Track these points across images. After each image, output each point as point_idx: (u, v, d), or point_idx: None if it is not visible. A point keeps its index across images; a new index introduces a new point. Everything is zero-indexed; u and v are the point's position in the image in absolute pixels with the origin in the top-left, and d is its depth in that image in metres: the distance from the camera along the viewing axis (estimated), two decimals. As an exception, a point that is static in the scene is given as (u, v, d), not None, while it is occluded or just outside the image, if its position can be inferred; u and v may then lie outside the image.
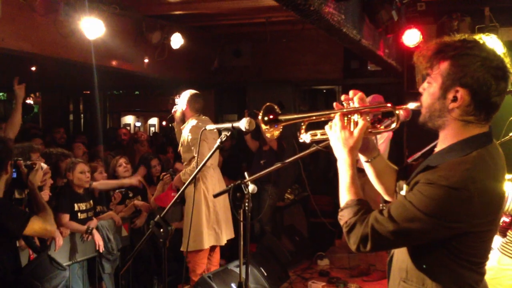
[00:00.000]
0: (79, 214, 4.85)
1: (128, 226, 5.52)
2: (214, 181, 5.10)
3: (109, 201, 5.56)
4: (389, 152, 5.71)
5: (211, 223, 5.01)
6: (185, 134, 5.10)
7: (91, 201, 5.04)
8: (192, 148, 5.02)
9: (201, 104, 5.24)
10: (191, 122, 5.11)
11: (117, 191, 5.61)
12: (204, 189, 5.01)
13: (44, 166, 4.00)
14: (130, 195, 5.76)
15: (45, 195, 4.19)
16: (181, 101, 5.21)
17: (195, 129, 4.98)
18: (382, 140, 5.56)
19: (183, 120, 5.25)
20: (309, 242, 7.30)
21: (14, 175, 3.37)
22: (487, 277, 2.85)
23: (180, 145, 5.23)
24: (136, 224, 5.56)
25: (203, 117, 5.26)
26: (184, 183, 5.07)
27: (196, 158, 4.83)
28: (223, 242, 5.15)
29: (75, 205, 4.84)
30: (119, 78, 9.92)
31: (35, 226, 3.12)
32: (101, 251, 4.88)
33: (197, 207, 4.94)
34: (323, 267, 6.53)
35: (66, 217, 4.69)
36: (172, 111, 5.35)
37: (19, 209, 3.24)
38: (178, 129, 5.32)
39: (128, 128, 16.95)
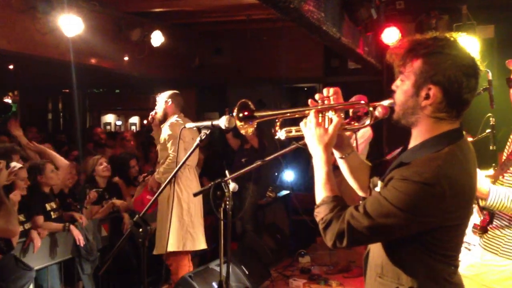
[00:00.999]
0: (51, 213, 4.80)
1: (108, 226, 5.47)
2: (189, 182, 5.00)
3: (83, 199, 5.48)
4: (369, 150, 5.74)
5: (185, 226, 4.91)
6: (164, 131, 5.03)
7: (57, 200, 4.98)
8: (168, 145, 4.94)
9: (182, 103, 5.20)
10: (171, 119, 5.05)
11: (93, 190, 5.54)
12: (178, 190, 4.88)
13: (18, 165, 3.95)
14: (107, 196, 5.71)
15: (16, 195, 4.12)
16: (161, 101, 5.12)
17: (174, 126, 4.91)
18: (363, 140, 5.59)
19: (163, 121, 5.16)
20: (290, 239, 7.32)
21: None
22: (470, 274, 2.89)
23: (158, 143, 5.17)
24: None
25: (183, 116, 5.20)
26: (159, 183, 5.05)
27: (171, 155, 4.77)
28: (200, 247, 5.05)
29: (46, 205, 4.79)
30: (99, 76, 9.83)
31: None
32: (81, 245, 4.83)
33: (169, 208, 4.85)
34: (304, 264, 6.56)
35: (40, 219, 4.64)
36: (151, 114, 5.24)
37: None
38: (156, 132, 5.23)
39: (108, 127, 16.83)
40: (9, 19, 5.67)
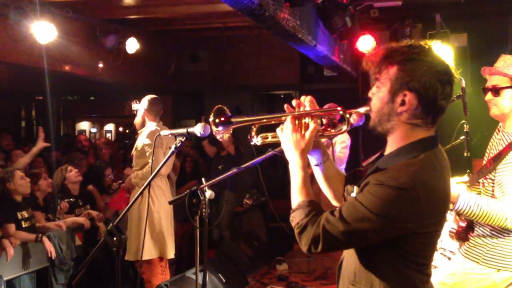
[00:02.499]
0: (22, 222, 4.71)
1: (82, 235, 5.39)
2: (160, 191, 4.96)
3: (55, 209, 5.41)
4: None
5: (155, 234, 4.88)
6: (142, 138, 4.98)
7: (30, 209, 4.89)
8: (147, 154, 4.91)
9: (160, 108, 5.15)
10: (150, 126, 5.00)
11: (65, 200, 5.46)
12: (150, 199, 4.83)
13: None
14: (80, 203, 5.63)
15: None
16: (141, 107, 5.08)
17: (152, 135, 4.87)
18: (345, 145, 5.61)
19: (143, 125, 5.12)
20: (268, 247, 7.30)
21: None
22: (451, 282, 2.90)
23: (134, 149, 5.12)
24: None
25: (161, 124, 5.16)
26: (133, 186, 5.01)
27: (150, 163, 4.73)
28: (169, 255, 5.00)
29: (18, 214, 4.69)
30: (73, 83, 9.71)
31: None
32: (53, 258, 4.75)
33: (140, 216, 4.82)
34: (281, 271, 6.54)
35: (12, 227, 4.55)
36: (134, 122, 5.20)
37: None
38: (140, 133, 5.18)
39: (84, 134, 16.61)
40: (-19, 26, 5.57)
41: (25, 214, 4.77)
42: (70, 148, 8.38)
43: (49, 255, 4.73)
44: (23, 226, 4.70)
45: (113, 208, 5.59)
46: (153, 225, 4.85)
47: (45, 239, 4.70)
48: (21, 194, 4.78)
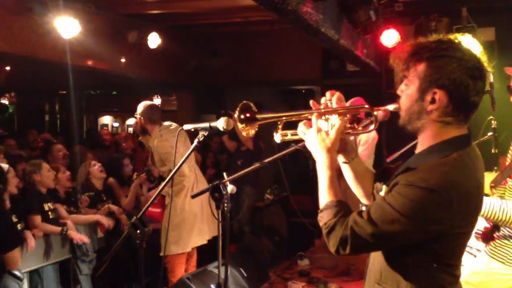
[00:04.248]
0: (49, 213, 4.76)
1: (103, 227, 5.44)
2: (193, 182, 5.01)
3: (76, 203, 5.45)
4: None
5: (186, 227, 4.91)
6: (155, 151, 4.95)
7: (53, 201, 4.95)
8: (166, 161, 4.85)
9: (158, 114, 5.08)
10: (154, 137, 4.94)
11: (85, 195, 5.51)
12: (179, 194, 4.88)
13: (5, 166, 3.92)
14: (104, 198, 5.67)
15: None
16: (138, 114, 5.02)
17: (161, 144, 4.83)
18: (369, 143, 5.57)
19: (144, 132, 5.07)
20: (289, 242, 7.29)
21: None
22: (475, 281, 2.86)
23: (150, 157, 5.15)
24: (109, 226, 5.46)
25: (165, 123, 5.10)
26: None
27: (173, 171, 4.71)
28: (205, 240, 5.05)
29: (44, 205, 4.74)
30: (96, 78, 9.81)
31: (16, 252, 3.05)
32: (87, 242, 4.83)
33: (176, 210, 4.84)
34: (303, 267, 6.51)
35: (38, 219, 4.58)
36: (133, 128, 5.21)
37: (15, 228, 3.16)
38: (145, 141, 5.21)
39: (106, 128, 16.78)
40: (6, 21, 5.65)
41: (51, 206, 4.82)
42: (94, 142, 8.48)
43: (80, 244, 4.78)
44: (50, 217, 4.75)
45: (156, 220, 5.65)
46: (186, 218, 4.89)
47: (70, 231, 4.75)
48: (46, 186, 4.83)
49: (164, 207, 5.36)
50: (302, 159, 8.77)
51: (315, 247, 7.26)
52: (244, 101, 2.00)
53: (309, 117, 1.90)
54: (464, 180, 1.62)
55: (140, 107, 5.04)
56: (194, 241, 5.01)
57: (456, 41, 1.70)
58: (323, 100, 1.92)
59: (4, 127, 11.24)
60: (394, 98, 1.82)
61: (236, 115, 1.98)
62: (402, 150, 3.18)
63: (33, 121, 12.07)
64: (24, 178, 4.78)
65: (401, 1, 6.48)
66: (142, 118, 4.99)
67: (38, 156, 6.58)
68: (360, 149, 5.55)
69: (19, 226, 4.42)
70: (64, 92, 12.36)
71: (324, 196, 1.79)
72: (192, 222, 4.96)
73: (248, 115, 1.99)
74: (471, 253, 3.06)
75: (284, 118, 1.97)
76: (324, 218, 1.74)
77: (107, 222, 5.20)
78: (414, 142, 1.85)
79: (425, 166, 1.64)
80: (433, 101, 1.67)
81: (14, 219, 4.33)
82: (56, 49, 6.20)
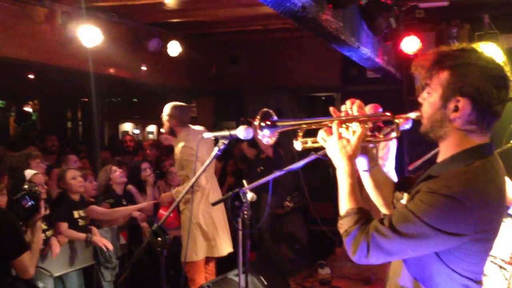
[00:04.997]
0: (79, 221, 4.81)
1: (127, 234, 5.48)
2: (210, 193, 5.01)
3: None
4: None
5: (204, 234, 4.91)
6: (177, 154, 4.97)
7: (84, 209, 4.99)
8: (185, 167, 4.87)
9: (187, 115, 5.06)
10: (180, 140, 4.92)
11: (106, 201, 5.57)
12: (198, 201, 4.89)
13: (32, 172, 3.96)
14: (124, 202, 5.72)
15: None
16: (164, 119, 5.00)
17: (185, 150, 4.83)
18: (387, 149, 5.53)
19: (172, 133, 5.05)
20: (309, 250, 7.25)
21: (32, 202, 3.34)
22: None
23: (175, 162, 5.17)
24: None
25: (195, 127, 5.10)
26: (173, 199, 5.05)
27: (193, 176, 4.73)
28: (221, 253, 5.03)
29: (74, 212, 4.79)
30: (117, 86, 9.91)
31: (24, 260, 3.08)
32: (110, 248, 4.86)
33: (193, 218, 4.85)
34: (324, 275, 6.46)
35: (64, 225, 4.65)
36: (163, 136, 5.17)
37: (22, 235, 3.20)
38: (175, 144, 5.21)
39: (131, 134, 16.96)
40: (30, 30, 5.75)
41: (82, 213, 4.87)
42: (116, 148, 8.56)
43: (105, 250, 4.82)
44: (79, 224, 4.80)
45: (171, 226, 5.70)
46: (203, 226, 4.89)
47: (95, 238, 4.79)
48: (76, 193, 4.88)
49: (178, 212, 5.40)
50: (323, 167, 8.74)
51: (336, 255, 7.21)
52: (264, 109, 2.00)
53: (330, 124, 1.89)
54: (486, 189, 1.61)
55: (168, 108, 4.99)
56: (210, 251, 4.98)
57: (479, 49, 1.69)
58: (343, 107, 1.92)
59: (28, 133, 11.42)
60: (415, 105, 1.81)
61: (256, 123, 1.99)
62: (424, 158, 3.15)
63: (55, 127, 12.24)
64: (58, 184, 4.88)
65: (422, 7, 6.43)
66: (170, 119, 4.97)
67: (54, 161, 6.71)
68: (381, 153, 5.52)
69: (47, 234, 4.49)
70: (86, 99, 12.51)
71: (345, 203, 1.78)
72: (205, 231, 4.94)
73: (268, 122, 1.99)
74: (496, 263, 3.00)
75: (304, 125, 1.97)
76: (344, 225, 1.74)
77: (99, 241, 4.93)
78: (436, 150, 1.84)
79: (448, 174, 1.63)
80: (456, 109, 1.66)
81: (44, 226, 4.40)
82: (78, 57, 6.29)
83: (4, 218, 3.10)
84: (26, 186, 3.53)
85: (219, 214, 5.03)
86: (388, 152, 5.55)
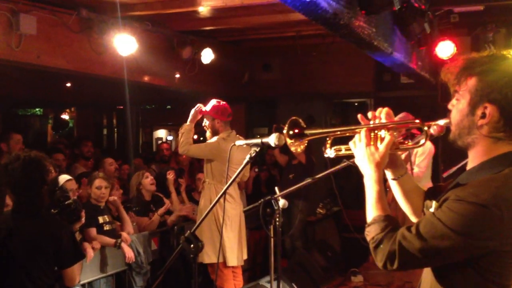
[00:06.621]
0: (105, 226, 4.87)
1: (158, 239, 5.54)
2: (231, 199, 4.94)
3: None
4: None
5: (219, 239, 4.89)
6: (208, 146, 4.98)
7: (110, 215, 5.05)
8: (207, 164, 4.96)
9: (230, 114, 5.05)
10: (217, 138, 4.91)
11: (132, 209, 5.63)
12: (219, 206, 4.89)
13: (66, 177, 4.02)
14: (153, 209, 5.78)
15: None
16: (209, 118, 5.01)
17: (220, 155, 4.84)
18: (424, 156, 5.46)
19: (215, 133, 5.03)
20: (341, 257, 7.18)
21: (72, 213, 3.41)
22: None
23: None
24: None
25: (234, 133, 5.06)
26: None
27: (229, 178, 4.72)
28: (232, 263, 4.95)
29: (99, 218, 4.85)
30: (151, 93, 10.06)
31: (75, 268, 3.13)
32: (131, 262, 4.89)
33: (211, 221, 4.85)
34: (357, 283, 6.40)
35: (93, 231, 4.71)
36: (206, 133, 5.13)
37: (78, 244, 3.26)
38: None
39: (165, 142, 17.20)
40: (67, 40, 5.89)
41: (107, 218, 4.93)
42: (149, 155, 8.66)
43: (127, 261, 4.87)
44: (105, 229, 4.87)
45: None
46: (220, 231, 4.87)
47: (123, 244, 4.85)
48: (96, 201, 4.95)
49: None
50: (355, 174, 8.65)
51: (369, 263, 7.12)
52: (293, 117, 2.02)
53: (358, 132, 1.89)
54: None
55: (210, 105, 5.00)
56: (233, 258, 4.96)
57: (509, 55, 1.66)
58: (370, 114, 1.91)
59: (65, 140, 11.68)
60: (449, 112, 1.80)
61: (285, 131, 2.00)
62: (459, 165, 3.10)
63: (91, 135, 12.47)
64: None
65: (457, 12, 6.34)
66: (213, 118, 5.00)
67: (92, 168, 6.83)
68: (418, 160, 5.46)
69: (77, 238, 4.57)
70: (121, 107, 12.73)
71: (372, 211, 1.78)
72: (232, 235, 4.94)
73: (296, 131, 2.00)
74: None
75: (332, 133, 1.97)
76: (371, 233, 1.73)
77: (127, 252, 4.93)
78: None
79: (476, 182, 1.61)
80: (483, 116, 1.64)
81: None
82: (113, 65, 6.41)
83: (62, 226, 3.16)
84: (58, 192, 3.60)
85: (236, 221, 4.99)
86: (426, 159, 5.48)
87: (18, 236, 2.97)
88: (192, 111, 5.04)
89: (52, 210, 3.53)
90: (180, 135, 5.01)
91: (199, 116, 5.04)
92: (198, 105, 5.07)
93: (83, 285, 4.53)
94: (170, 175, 6.11)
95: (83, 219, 3.54)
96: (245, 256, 5.11)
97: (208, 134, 5.09)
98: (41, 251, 2.99)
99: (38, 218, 3.05)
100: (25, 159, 3.00)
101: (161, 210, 5.65)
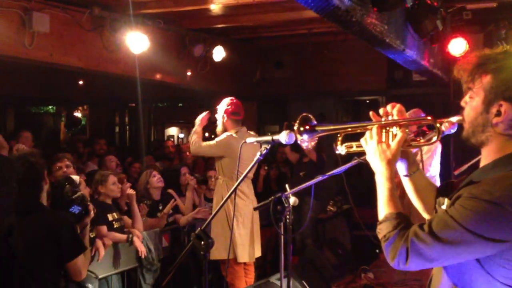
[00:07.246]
0: (114, 223, 4.90)
1: (169, 237, 5.56)
2: (243, 195, 4.97)
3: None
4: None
5: (230, 236, 4.91)
6: (218, 144, 4.98)
7: (118, 212, 5.08)
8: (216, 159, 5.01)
9: (242, 112, 5.07)
10: (227, 135, 4.93)
11: (143, 203, 5.63)
12: (231, 202, 4.82)
13: (76, 177, 4.06)
14: (160, 207, 5.79)
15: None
16: (220, 113, 5.02)
17: (231, 152, 4.85)
18: (430, 154, 5.43)
19: (226, 130, 5.05)
20: (352, 255, 7.16)
21: (77, 210, 3.44)
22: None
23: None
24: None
25: (244, 129, 5.10)
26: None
27: (240, 174, 4.71)
28: (243, 259, 4.96)
29: (108, 215, 4.88)
30: (163, 91, 10.10)
31: (79, 262, 3.14)
32: (143, 256, 4.92)
33: (223, 217, 4.87)
34: (367, 281, 6.38)
35: (104, 228, 4.73)
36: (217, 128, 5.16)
37: (79, 237, 3.28)
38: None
39: (172, 139, 17.27)
40: (80, 38, 5.94)
41: (115, 215, 4.96)
42: (159, 152, 8.70)
43: (140, 255, 4.90)
44: (115, 226, 4.90)
45: None
46: (232, 228, 4.88)
47: (135, 239, 4.88)
48: (110, 197, 4.98)
49: None
50: (366, 171, 8.62)
51: (379, 261, 7.10)
52: (304, 113, 2.01)
53: (369, 128, 1.88)
54: None
55: (224, 104, 5.01)
56: (241, 255, 4.97)
57: None
58: (381, 111, 1.90)
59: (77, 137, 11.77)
60: (462, 109, 1.78)
61: (295, 128, 1.99)
62: (470, 163, 3.07)
63: (104, 132, 12.56)
64: (91, 187, 4.97)
65: (470, 9, 6.28)
66: (224, 115, 5.00)
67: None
68: (425, 157, 5.42)
69: (91, 235, 4.59)
70: (133, 104, 12.80)
71: (383, 208, 1.76)
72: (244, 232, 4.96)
73: (307, 127, 1.99)
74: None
75: (343, 130, 1.97)
76: (383, 230, 1.71)
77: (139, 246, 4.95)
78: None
79: (490, 179, 1.59)
80: (498, 113, 1.62)
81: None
82: (126, 64, 6.45)
83: (61, 220, 3.18)
84: (68, 186, 3.63)
85: (248, 218, 5.00)
86: (432, 157, 5.44)
87: (18, 233, 2.99)
88: (200, 117, 5.11)
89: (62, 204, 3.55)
90: (190, 137, 5.14)
91: (206, 123, 5.13)
92: (206, 112, 5.13)
93: (99, 280, 4.57)
94: (192, 181, 6.06)
95: (92, 213, 3.55)
96: (258, 253, 5.11)
97: (218, 129, 5.12)
98: (40, 247, 3.00)
99: (38, 215, 3.07)
100: (22, 157, 3.04)
101: (167, 208, 5.63)
